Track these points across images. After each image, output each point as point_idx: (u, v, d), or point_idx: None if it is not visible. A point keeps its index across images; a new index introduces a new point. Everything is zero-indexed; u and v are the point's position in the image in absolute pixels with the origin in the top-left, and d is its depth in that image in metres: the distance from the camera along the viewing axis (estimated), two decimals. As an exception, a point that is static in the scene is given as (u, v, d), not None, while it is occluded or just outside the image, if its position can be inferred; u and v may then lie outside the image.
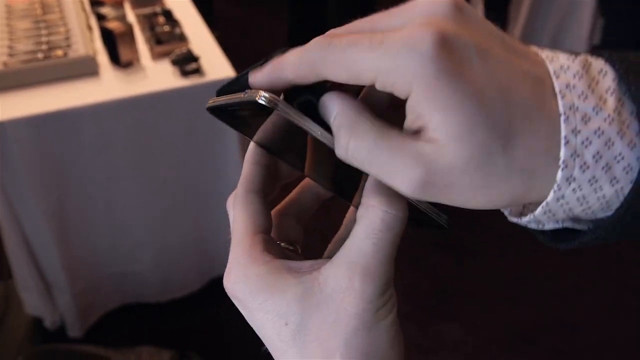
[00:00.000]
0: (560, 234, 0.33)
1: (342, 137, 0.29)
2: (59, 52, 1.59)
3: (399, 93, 0.27)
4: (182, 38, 1.71)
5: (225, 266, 0.34)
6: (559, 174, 0.28)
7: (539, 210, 0.30)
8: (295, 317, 0.31)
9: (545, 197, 0.29)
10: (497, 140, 0.27)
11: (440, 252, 2.22)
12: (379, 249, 0.31)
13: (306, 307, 0.31)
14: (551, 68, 0.29)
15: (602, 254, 2.23)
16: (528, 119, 0.27)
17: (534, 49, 0.31)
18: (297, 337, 0.31)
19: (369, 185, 0.31)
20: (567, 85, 0.28)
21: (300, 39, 0.35)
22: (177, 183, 1.69)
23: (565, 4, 3.46)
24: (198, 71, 1.58)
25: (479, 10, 3.39)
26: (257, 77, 0.32)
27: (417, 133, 0.28)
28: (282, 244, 0.37)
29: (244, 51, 3.20)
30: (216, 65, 1.63)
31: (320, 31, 0.32)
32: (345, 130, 0.29)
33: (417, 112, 0.27)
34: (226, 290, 0.33)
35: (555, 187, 0.28)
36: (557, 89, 0.28)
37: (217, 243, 1.80)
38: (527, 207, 0.32)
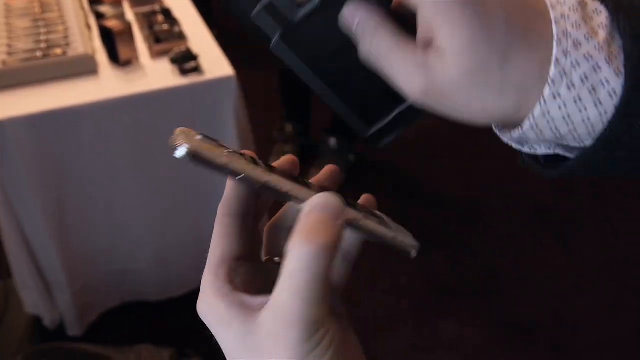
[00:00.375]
0: (551, 162, 0.36)
1: (367, 35, 0.33)
2: (58, 51, 1.59)
3: (413, 1, 0.32)
4: (181, 36, 1.71)
5: None
6: (546, 89, 0.31)
7: (526, 123, 0.32)
8: (238, 354, 0.32)
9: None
10: (496, 57, 0.30)
11: (437, 250, 2.22)
12: (296, 293, 0.30)
13: (245, 349, 0.32)
14: (549, 1, 0.32)
15: (602, 253, 2.23)
16: (526, 41, 0.31)
17: None
18: None
19: (297, 223, 0.31)
20: (562, 15, 0.31)
21: None
22: (177, 182, 1.69)
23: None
24: (197, 70, 1.57)
25: None
26: None
27: (426, 46, 0.32)
28: (275, 259, 0.38)
29: (243, 50, 3.20)
30: (215, 63, 1.62)
31: None
32: (370, 31, 0.33)
33: (427, 23, 0.31)
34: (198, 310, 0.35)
35: (541, 100, 0.31)
36: (552, 17, 0.31)
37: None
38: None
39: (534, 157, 0.37)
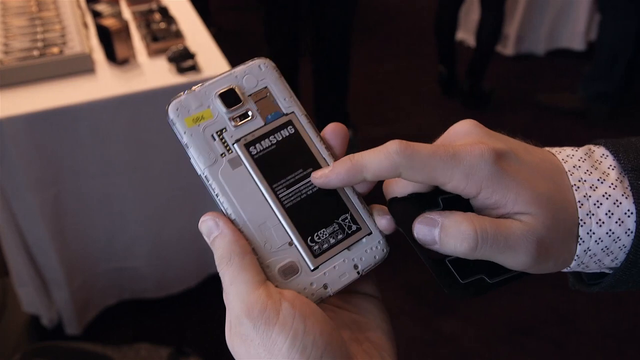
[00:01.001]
0: (594, 279, 0.42)
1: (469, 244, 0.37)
2: (55, 50, 1.59)
3: (469, 191, 0.37)
4: (178, 35, 1.71)
5: None
6: (580, 230, 0.37)
7: (573, 263, 0.38)
8: None
9: None
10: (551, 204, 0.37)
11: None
12: (224, 282, 0.36)
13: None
14: (560, 157, 0.39)
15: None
16: (556, 194, 0.37)
17: (546, 149, 0.41)
18: None
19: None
20: (574, 166, 0.38)
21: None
22: (174, 179, 1.69)
23: (561, 0, 3.46)
24: (194, 68, 1.58)
25: (475, 6, 3.40)
26: (331, 177, 0.38)
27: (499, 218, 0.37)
28: None
29: (240, 48, 3.20)
30: (212, 62, 1.63)
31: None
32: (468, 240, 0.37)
33: (492, 201, 0.37)
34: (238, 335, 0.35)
35: (579, 240, 0.37)
36: (566, 169, 0.38)
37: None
38: None
39: (580, 278, 0.44)
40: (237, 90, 0.40)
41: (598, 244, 0.37)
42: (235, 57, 1.56)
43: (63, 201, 1.60)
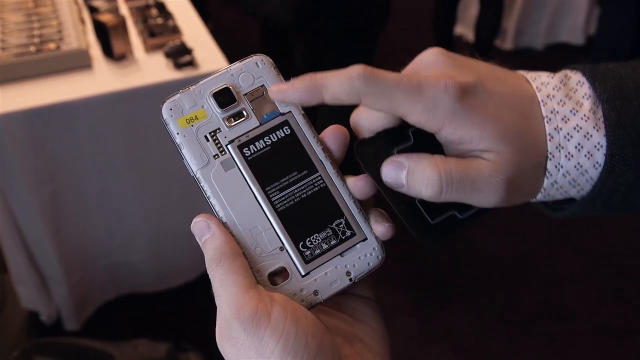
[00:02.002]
0: (558, 204, 0.41)
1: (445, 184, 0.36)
2: (52, 46, 1.59)
3: (430, 126, 0.36)
4: (176, 30, 1.70)
5: None
6: (548, 163, 0.36)
7: (539, 195, 0.37)
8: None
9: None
10: (517, 135, 0.36)
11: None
12: (214, 285, 0.36)
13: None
14: (534, 85, 0.38)
15: (595, 242, 2.25)
16: (525, 127, 0.36)
17: (520, 72, 0.40)
18: None
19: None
20: (548, 96, 0.37)
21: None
22: (171, 174, 1.69)
23: (560, -6, 3.46)
24: (192, 63, 1.57)
25: (473, 4, 3.39)
26: (288, 91, 0.37)
27: (465, 155, 0.36)
28: None
29: (238, 43, 3.20)
30: (210, 57, 1.62)
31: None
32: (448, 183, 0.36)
33: (456, 137, 0.36)
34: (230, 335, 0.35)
35: (547, 174, 0.36)
36: (539, 100, 0.37)
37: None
38: None
39: (546, 204, 0.42)
40: (232, 89, 0.40)
41: (565, 177, 0.36)
42: (232, 52, 1.56)
43: (61, 197, 1.59)
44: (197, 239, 0.38)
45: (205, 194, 0.39)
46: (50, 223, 1.60)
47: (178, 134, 0.39)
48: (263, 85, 0.40)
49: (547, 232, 2.30)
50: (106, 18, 1.57)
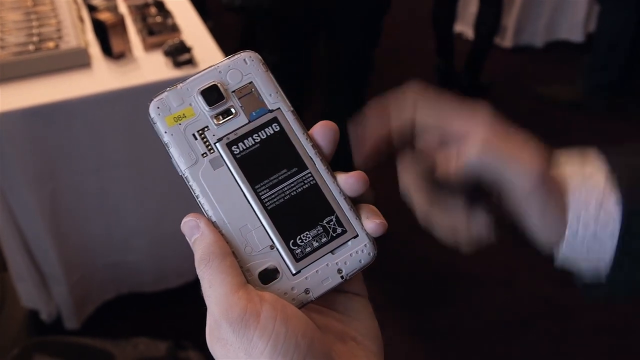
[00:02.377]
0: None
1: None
2: (51, 44, 1.58)
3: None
4: (175, 29, 1.70)
5: None
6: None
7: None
8: None
9: None
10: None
11: (433, 238, 2.22)
12: (203, 285, 0.36)
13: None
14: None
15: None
16: None
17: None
18: None
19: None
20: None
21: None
22: (170, 173, 1.66)
23: (560, -9, 3.45)
24: (191, 62, 1.57)
25: (473, 1, 3.39)
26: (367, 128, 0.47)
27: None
28: None
29: (237, 41, 3.19)
30: (209, 56, 1.62)
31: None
32: None
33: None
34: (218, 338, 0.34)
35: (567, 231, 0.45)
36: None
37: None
38: None
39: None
40: (220, 86, 0.39)
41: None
42: (232, 51, 1.55)
43: (60, 196, 1.59)
44: (187, 238, 0.37)
45: (194, 193, 0.38)
46: (50, 221, 1.60)
47: (165, 132, 0.39)
48: (252, 82, 0.40)
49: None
50: (105, 17, 1.57)
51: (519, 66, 3.42)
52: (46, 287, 1.76)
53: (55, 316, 1.83)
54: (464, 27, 3.60)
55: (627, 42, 2.82)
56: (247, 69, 0.40)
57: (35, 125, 1.47)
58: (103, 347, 1.65)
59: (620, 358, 1.89)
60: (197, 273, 0.36)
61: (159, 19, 1.73)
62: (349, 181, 0.38)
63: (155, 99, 0.39)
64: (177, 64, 1.56)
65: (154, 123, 0.39)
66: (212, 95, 0.39)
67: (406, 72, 3.36)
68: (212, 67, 0.40)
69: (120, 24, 1.59)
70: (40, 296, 1.77)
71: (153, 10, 1.79)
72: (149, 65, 1.60)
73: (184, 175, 0.38)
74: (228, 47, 1.77)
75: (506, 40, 3.51)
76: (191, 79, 0.39)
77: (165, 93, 0.39)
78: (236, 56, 0.40)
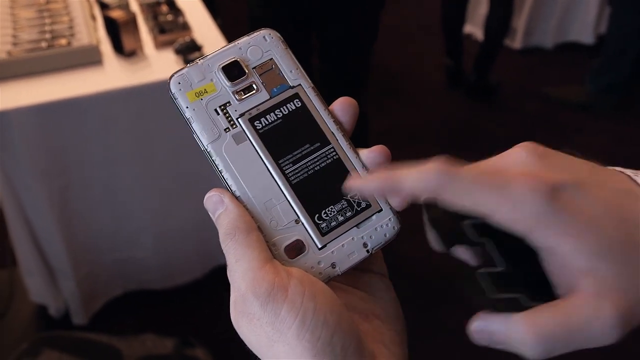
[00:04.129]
0: None
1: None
2: (63, 41, 1.60)
3: (517, 228, 0.31)
4: (185, 27, 1.71)
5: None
6: None
7: None
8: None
9: None
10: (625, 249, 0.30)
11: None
12: (229, 260, 0.34)
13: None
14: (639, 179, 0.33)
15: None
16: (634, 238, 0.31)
17: (622, 171, 0.34)
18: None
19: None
20: None
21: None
22: (179, 170, 1.70)
23: (570, -7, 3.44)
24: (201, 60, 1.58)
25: (482, 3, 3.38)
26: (363, 187, 0.37)
27: (561, 280, 0.31)
28: None
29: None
30: (219, 54, 1.63)
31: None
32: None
33: (547, 246, 0.31)
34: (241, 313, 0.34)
35: None
36: None
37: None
38: None
39: None
40: (241, 62, 0.39)
41: None
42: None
43: (70, 192, 1.61)
44: (210, 214, 0.37)
45: (217, 168, 0.38)
46: (59, 217, 1.62)
47: (187, 107, 0.38)
48: (272, 58, 0.40)
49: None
50: (117, 14, 1.58)
51: (528, 67, 3.41)
52: (55, 282, 1.77)
53: (63, 311, 1.84)
54: (474, 28, 3.59)
55: (637, 44, 2.81)
56: (267, 46, 0.40)
57: (46, 122, 1.48)
58: (110, 342, 1.66)
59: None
60: (223, 248, 0.35)
61: (170, 17, 1.74)
62: (371, 155, 0.39)
63: (175, 75, 0.39)
64: (188, 62, 1.57)
65: (175, 98, 0.38)
66: (233, 71, 0.39)
67: (415, 71, 3.36)
68: (232, 44, 0.40)
69: (132, 22, 1.59)
70: (48, 291, 1.78)
71: (164, 8, 1.80)
72: (160, 63, 1.61)
73: (206, 149, 0.38)
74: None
75: (516, 42, 3.50)
76: (211, 55, 0.39)
77: (186, 69, 0.39)
78: (255, 33, 0.41)
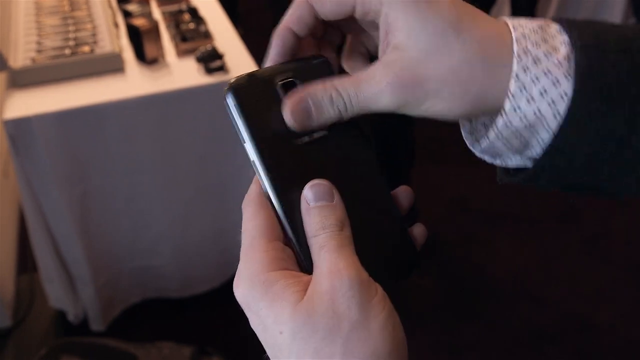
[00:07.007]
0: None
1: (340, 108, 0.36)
2: (86, 49, 1.61)
3: (375, 16, 0.35)
4: (207, 35, 1.71)
5: None
6: (507, 103, 0.33)
7: (491, 132, 0.34)
8: (288, 326, 0.32)
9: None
10: (451, 28, 0.33)
11: (461, 252, 2.20)
12: (329, 246, 0.33)
13: (298, 318, 0.32)
14: (511, 23, 0.34)
15: (629, 258, 2.19)
16: (488, 56, 0.33)
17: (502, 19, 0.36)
18: (292, 345, 0.32)
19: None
20: (523, 35, 0.33)
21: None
22: (199, 179, 1.69)
23: (594, 3, 3.40)
24: (222, 68, 1.58)
25: (505, 11, 3.36)
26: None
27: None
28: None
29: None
30: (240, 62, 1.63)
31: None
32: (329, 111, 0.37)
33: (386, 25, 0.35)
34: (235, 294, 0.36)
35: (502, 112, 0.33)
36: (513, 36, 0.33)
37: (238, 240, 1.80)
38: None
39: (507, 171, 0.39)
40: (297, 83, 0.38)
41: (521, 120, 0.33)
42: (263, 58, 1.55)
43: (90, 199, 1.61)
44: (307, 200, 0.35)
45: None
46: (80, 223, 1.62)
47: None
48: None
49: (579, 245, 2.25)
50: (140, 22, 1.59)
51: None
52: (74, 289, 1.77)
53: (81, 317, 1.84)
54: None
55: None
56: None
57: (68, 128, 1.49)
58: (128, 349, 1.66)
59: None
60: (321, 237, 0.35)
61: (192, 25, 1.75)
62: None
63: (232, 83, 0.38)
64: (209, 71, 1.57)
65: (231, 107, 0.39)
66: (290, 90, 0.38)
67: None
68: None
69: (154, 30, 1.60)
70: (67, 297, 1.79)
71: (186, 16, 1.81)
72: (181, 71, 1.61)
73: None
74: (259, 54, 1.78)
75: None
76: (269, 69, 0.39)
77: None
78: (309, 57, 0.40)
